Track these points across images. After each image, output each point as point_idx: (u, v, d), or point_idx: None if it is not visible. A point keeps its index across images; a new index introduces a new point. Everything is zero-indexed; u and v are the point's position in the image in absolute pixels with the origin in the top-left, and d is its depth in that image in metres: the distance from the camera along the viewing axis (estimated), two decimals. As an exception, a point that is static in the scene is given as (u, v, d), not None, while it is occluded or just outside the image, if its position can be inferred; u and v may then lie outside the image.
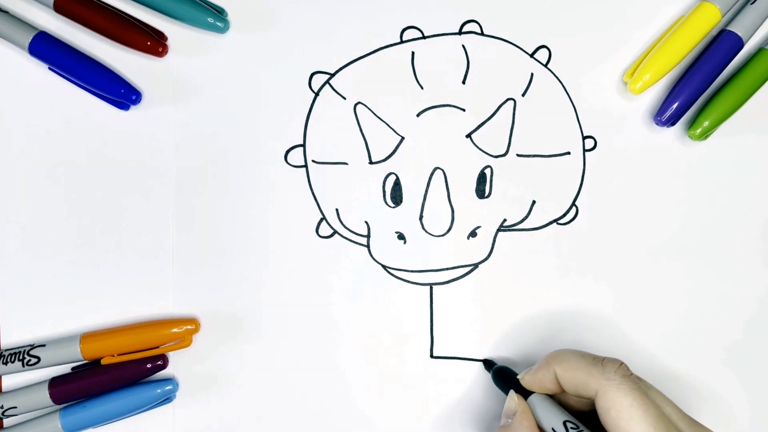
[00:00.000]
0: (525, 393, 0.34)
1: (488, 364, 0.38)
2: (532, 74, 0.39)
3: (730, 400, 0.38)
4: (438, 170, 0.39)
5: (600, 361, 0.31)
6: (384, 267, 0.39)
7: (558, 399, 0.34)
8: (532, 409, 0.33)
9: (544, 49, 0.39)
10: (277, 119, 0.39)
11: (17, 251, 0.39)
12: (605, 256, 0.39)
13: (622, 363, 0.31)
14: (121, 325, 0.38)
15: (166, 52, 0.39)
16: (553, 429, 0.31)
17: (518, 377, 0.34)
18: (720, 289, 0.39)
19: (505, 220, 0.39)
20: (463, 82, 0.39)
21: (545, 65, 0.39)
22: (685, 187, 0.39)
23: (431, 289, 0.39)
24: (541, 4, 0.39)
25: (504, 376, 0.36)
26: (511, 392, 0.34)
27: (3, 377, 0.39)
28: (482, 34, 0.39)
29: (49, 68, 0.39)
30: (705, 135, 0.38)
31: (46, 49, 0.38)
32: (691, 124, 0.38)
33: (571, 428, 0.31)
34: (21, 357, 0.37)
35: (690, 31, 0.38)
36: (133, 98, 0.38)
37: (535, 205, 0.39)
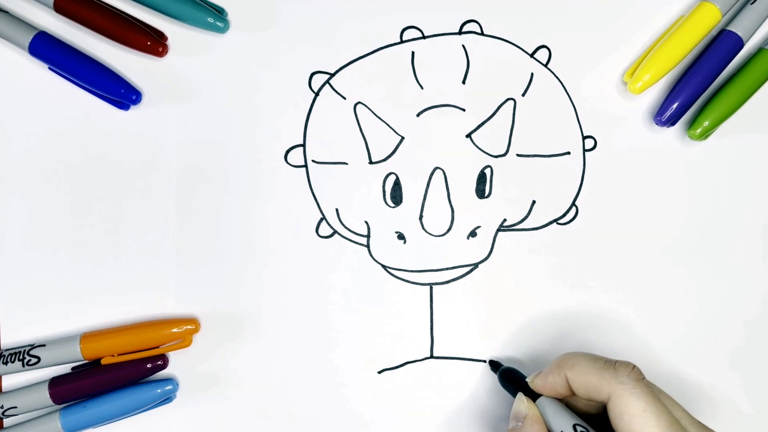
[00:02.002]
0: (533, 396, 0.33)
1: (494, 365, 0.38)
2: (532, 74, 0.39)
3: (731, 400, 0.38)
4: (438, 170, 0.39)
5: (612, 365, 0.31)
6: (384, 267, 0.39)
7: (566, 402, 0.33)
8: (541, 412, 0.33)
9: (544, 49, 0.39)
10: (277, 119, 0.39)
11: (17, 251, 0.39)
12: (605, 256, 0.39)
13: (634, 366, 0.31)
14: (121, 325, 0.38)
15: (166, 52, 0.39)
16: None
17: (527, 380, 0.34)
18: (720, 289, 0.39)
19: (505, 220, 0.39)
20: (463, 82, 0.39)
21: (545, 65, 0.39)
22: (685, 187, 0.39)
23: (431, 289, 0.39)
24: (541, 4, 0.39)
25: (511, 378, 0.36)
26: (520, 395, 0.34)
27: (3, 377, 0.39)
28: (482, 34, 0.39)
29: (49, 68, 0.39)
30: (705, 135, 0.38)
31: (46, 49, 0.38)
32: (691, 124, 0.38)
33: (581, 431, 0.31)
34: (21, 357, 0.37)
35: (690, 31, 0.38)
36: (133, 98, 0.38)
37: (535, 205, 0.39)
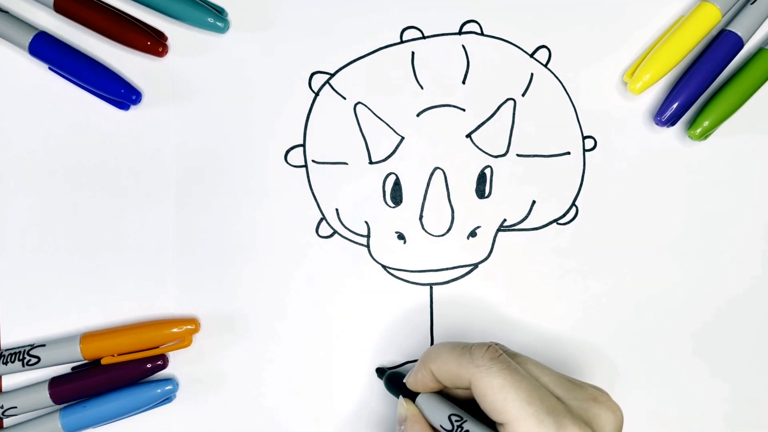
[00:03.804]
0: (414, 395, 0.34)
1: (380, 371, 0.38)
2: (532, 74, 0.39)
3: (728, 404, 0.39)
4: (438, 170, 0.39)
5: (468, 349, 0.31)
6: (384, 267, 0.39)
7: (447, 393, 0.34)
8: (420, 410, 0.33)
9: (544, 49, 0.39)
10: (277, 119, 0.39)
11: (18, 251, 0.39)
12: (605, 256, 0.39)
13: (490, 345, 0.31)
14: (121, 325, 0.38)
15: (166, 52, 0.39)
16: (441, 426, 0.32)
17: (404, 381, 0.34)
18: (721, 289, 0.39)
19: (505, 220, 0.39)
20: (463, 82, 0.39)
21: (545, 65, 0.39)
22: (685, 187, 0.39)
23: (431, 289, 0.39)
24: (541, 4, 0.39)
25: (395, 382, 0.36)
26: (400, 399, 0.34)
27: (3, 377, 0.39)
28: (482, 34, 0.39)
29: (49, 68, 0.39)
30: (705, 135, 0.38)
31: (46, 49, 0.38)
32: (691, 124, 0.38)
33: (456, 421, 0.31)
34: (21, 357, 0.37)
35: (690, 31, 0.38)
36: (133, 98, 0.38)
37: (535, 205, 0.39)
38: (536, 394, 0.29)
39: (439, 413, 0.32)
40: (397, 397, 0.35)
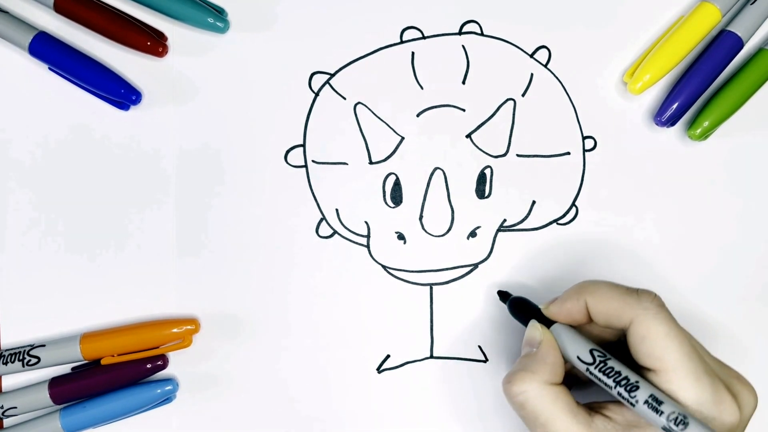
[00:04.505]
0: (546, 324, 0.33)
1: (503, 295, 0.37)
2: (532, 74, 0.39)
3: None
4: (438, 170, 0.39)
5: (635, 292, 0.31)
6: (384, 267, 0.39)
7: (579, 330, 0.33)
8: (555, 338, 0.32)
9: (544, 50, 0.39)
10: (277, 119, 0.39)
11: (17, 251, 0.39)
12: (605, 256, 0.39)
13: (656, 295, 0.31)
14: (121, 325, 0.38)
15: (166, 52, 0.39)
16: (579, 358, 0.31)
17: (541, 308, 0.34)
18: (720, 289, 0.39)
19: (505, 220, 0.39)
20: (463, 82, 0.39)
21: (545, 65, 0.39)
22: (685, 187, 0.39)
23: (431, 289, 0.39)
24: (541, 5, 0.39)
25: (522, 307, 0.35)
26: (533, 322, 0.33)
27: (3, 377, 0.39)
28: (482, 34, 0.39)
29: (49, 68, 0.39)
30: (705, 135, 0.38)
31: (46, 49, 0.38)
32: (691, 124, 0.38)
33: (599, 356, 0.30)
34: (21, 357, 0.37)
35: (690, 31, 0.38)
36: (133, 98, 0.38)
37: (535, 205, 0.39)
38: (696, 353, 0.29)
39: (579, 346, 0.31)
40: (523, 323, 0.34)
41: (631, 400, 0.29)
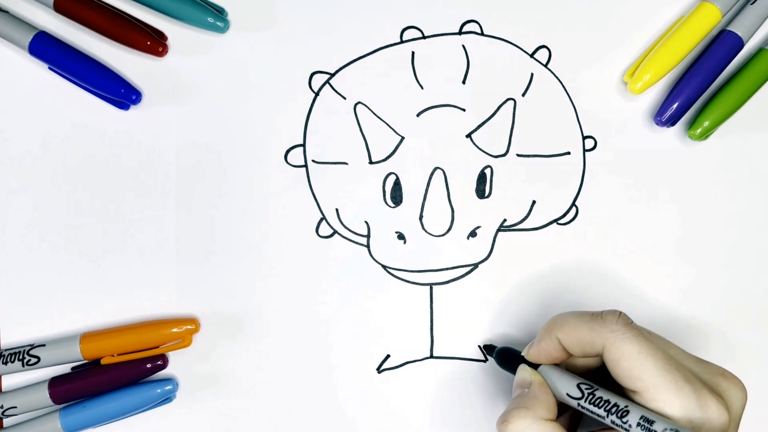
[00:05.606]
0: (534, 367, 0.33)
1: (489, 348, 0.38)
2: (532, 74, 0.39)
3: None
4: (438, 170, 0.39)
5: (599, 316, 0.31)
6: (384, 267, 0.39)
7: (564, 365, 0.33)
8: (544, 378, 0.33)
9: (544, 49, 0.39)
10: (277, 119, 0.39)
11: (17, 251, 0.39)
12: (605, 256, 0.39)
13: (621, 313, 0.31)
14: (121, 324, 0.38)
15: (166, 52, 0.39)
16: (568, 394, 0.31)
17: (522, 354, 0.34)
18: (720, 289, 0.39)
19: (505, 220, 0.39)
20: (463, 82, 0.39)
21: (545, 65, 0.39)
22: (685, 187, 0.39)
23: (431, 289, 0.39)
24: (542, 5, 0.39)
25: (508, 357, 0.35)
26: (522, 366, 0.33)
27: (3, 377, 0.39)
28: (482, 34, 0.39)
29: (49, 68, 0.39)
30: (705, 135, 0.38)
31: (46, 49, 0.38)
32: (691, 124, 0.38)
33: (586, 389, 0.30)
34: (21, 357, 0.37)
35: (690, 31, 0.38)
36: (133, 98, 0.38)
37: (535, 205, 0.39)
38: (672, 363, 0.29)
39: (566, 383, 0.31)
40: (512, 372, 0.34)
41: (624, 426, 0.29)
